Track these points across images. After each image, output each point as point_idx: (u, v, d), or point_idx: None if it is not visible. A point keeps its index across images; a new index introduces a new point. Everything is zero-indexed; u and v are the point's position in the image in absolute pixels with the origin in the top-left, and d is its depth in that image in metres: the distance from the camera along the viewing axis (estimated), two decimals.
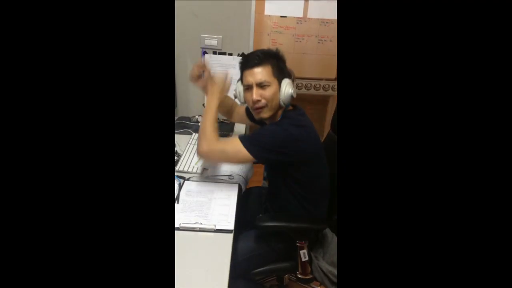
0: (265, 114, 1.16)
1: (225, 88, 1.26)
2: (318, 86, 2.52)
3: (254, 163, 1.17)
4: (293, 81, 1.18)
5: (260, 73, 1.13)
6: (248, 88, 1.17)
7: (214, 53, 1.80)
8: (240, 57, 1.64)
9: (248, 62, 1.15)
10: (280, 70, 1.16)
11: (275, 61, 1.15)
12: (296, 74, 2.41)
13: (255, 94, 1.14)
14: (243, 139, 1.09)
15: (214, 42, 1.76)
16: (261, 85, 1.13)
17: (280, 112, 1.19)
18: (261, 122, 1.31)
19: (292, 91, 1.15)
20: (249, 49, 1.80)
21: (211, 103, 1.22)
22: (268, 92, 1.13)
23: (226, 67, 1.83)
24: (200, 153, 1.14)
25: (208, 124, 1.16)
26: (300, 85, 2.51)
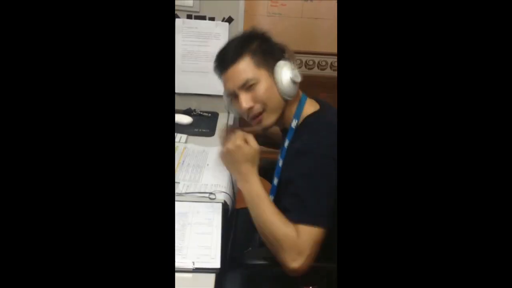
0: (268, 120, 1.00)
1: (253, 152, 1.00)
2: (336, 64, 2.21)
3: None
4: (290, 59, 1.04)
5: (238, 72, 0.98)
6: (233, 96, 1.02)
7: (189, 17, 1.54)
8: (226, 23, 1.58)
9: (220, 63, 1.01)
10: (266, 53, 1.00)
11: (253, 45, 0.99)
12: (306, 47, 2.16)
13: (244, 101, 0.98)
14: (300, 217, 0.89)
15: (189, 2, 1.51)
16: (246, 87, 0.98)
17: (289, 110, 1.04)
18: (269, 141, 1.26)
19: (292, 74, 0.98)
20: (238, 12, 1.53)
21: (251, 186, 0.98)
22: (259, 91, 0.97)
23: (207, 37, 1.58)
24: (293, 271, 0.88)
25: (273, 225, 0.91)
26: (311, 63, 2.20)
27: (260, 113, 0.99)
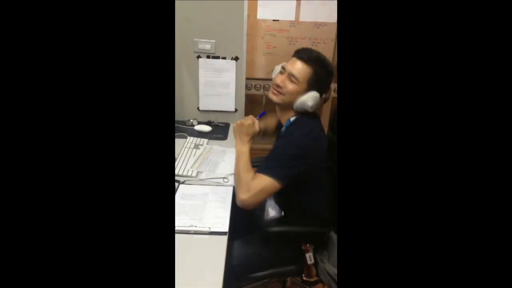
0: (277, 100, 1.17)
1: (252, 130, 1.25)
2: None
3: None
4: (324, 97, 1.18)
5: (298, 68, 1.13)
6: (282, 71, 1.18)
7: (208, 57, 1.79)
8: (234, 61, 1.77)
9: (299, 52, 1.16)
10: (317, 79, 1.14)
11: (318, 69, 1.14)
12: None
13: (280, 79, 1.15)
14: (264, 170, 1.09)
15: (207, 47, 1.75)
16: (291, 77, 1.14)
17: (290, 113, 1.20)
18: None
19: (310, 104, 1.14)
20: (242, 52, 1.79)
21: (242, 148, 1.21)
22: (291, 87, 1.14)
23: (221, 71, 1.83)
24: (241, 201, 1.10)
25: (241, 171, 1.15)
26: None
27: (279, 93, 1.16)
